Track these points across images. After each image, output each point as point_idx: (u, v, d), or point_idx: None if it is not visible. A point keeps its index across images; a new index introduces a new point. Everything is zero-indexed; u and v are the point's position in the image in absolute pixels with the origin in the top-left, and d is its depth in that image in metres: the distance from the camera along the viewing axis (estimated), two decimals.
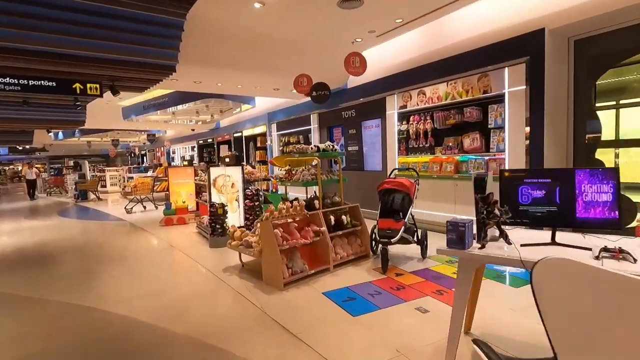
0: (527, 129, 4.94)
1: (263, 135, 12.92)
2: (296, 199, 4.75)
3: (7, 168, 38.68)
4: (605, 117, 4.75)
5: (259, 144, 13.61)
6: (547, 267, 1.09)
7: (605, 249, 1.85)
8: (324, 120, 9.83)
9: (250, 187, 6.36)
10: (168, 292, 4.12)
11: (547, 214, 2.20)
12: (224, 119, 15.51)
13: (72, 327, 3.36)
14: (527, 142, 4.95)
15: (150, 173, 15.43)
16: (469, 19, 5.58)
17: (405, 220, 4.49)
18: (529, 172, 2.29)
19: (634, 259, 1.76)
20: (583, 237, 2.21)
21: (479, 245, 2.13)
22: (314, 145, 5.21)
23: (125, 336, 3.14)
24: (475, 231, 2.21)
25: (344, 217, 4.90)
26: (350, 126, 8.87)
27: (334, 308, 3.42)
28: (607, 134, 4.76)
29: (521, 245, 2.10)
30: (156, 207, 10.79)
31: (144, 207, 10.91)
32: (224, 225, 5.97)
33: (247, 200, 6.09)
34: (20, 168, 34.85)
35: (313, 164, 5.28)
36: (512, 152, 5.16)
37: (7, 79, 4.87)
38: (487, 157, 5.63)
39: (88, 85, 5.34)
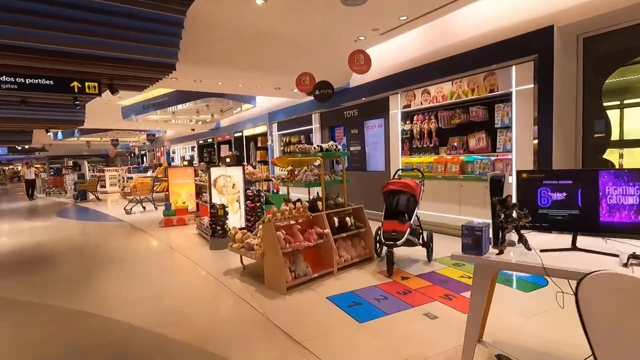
0: (536, 128, 4.83)
1: (264, 135, 12.80)
2: (298, 200, 4.64)
3: (6, 168, 38.55)
4: (610, 117, 4.65)
5: (259, 144, 13.50)
6: (597, 282, 0.97)
7: (634, 256, 1.72)
8: (325, 120, 9.71)
9: (251, 188, 6.24)
10: (168, 296, 4.01)
11: (568, 218, 2.07)
12: (224, 118, 15.40)
13: (71, 332, 3.26)
14: (536, 141, 4.84)
15: (149, 173, 15.32)
16: (474, 17, 5.47)
17: (411, 222, 4.38)
18: (548, 173, 2.16)
19: None
20: (605, 241, 2.09)
21: (497, 251, 2.01)
22: (317, 145, 5.09)
23: (125, 342, 3.05)
24: (491, 235, 2.09)
25: (347, 218, 4.79)
26: (353, 126, 8.74)
27: (338, 313, 3.30)
28: (612, 134, 4.66)
29: (541, 251, 1.98)
30: (156, 208, 10.67)
31: (144, 208, 10.79)
32: (225, 226, 5.86)
33: (249, 201, 5.97)
34: (19, 168, 34.74)
35: (316, 164, 5.17)
36: (519, 152, 5.05)
37: (4, 77, 4.75)
38: (493, 157, 5.52)
39: (86, 84, 5.23)
